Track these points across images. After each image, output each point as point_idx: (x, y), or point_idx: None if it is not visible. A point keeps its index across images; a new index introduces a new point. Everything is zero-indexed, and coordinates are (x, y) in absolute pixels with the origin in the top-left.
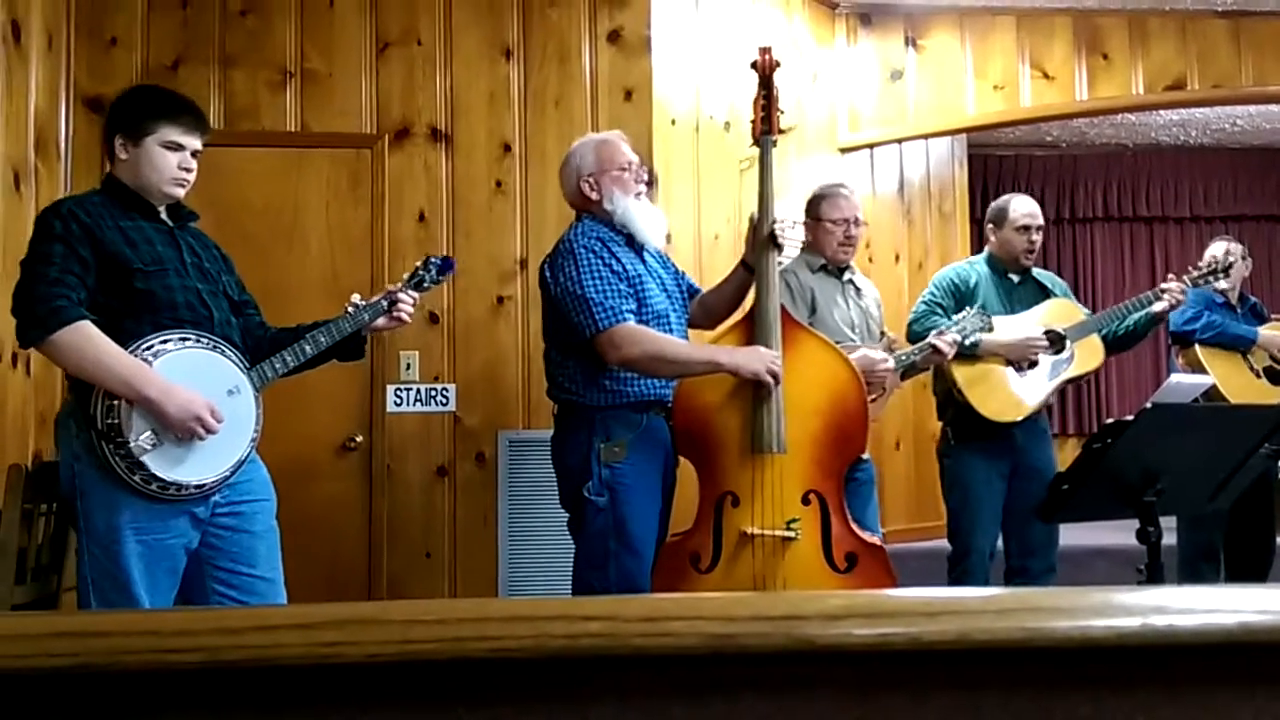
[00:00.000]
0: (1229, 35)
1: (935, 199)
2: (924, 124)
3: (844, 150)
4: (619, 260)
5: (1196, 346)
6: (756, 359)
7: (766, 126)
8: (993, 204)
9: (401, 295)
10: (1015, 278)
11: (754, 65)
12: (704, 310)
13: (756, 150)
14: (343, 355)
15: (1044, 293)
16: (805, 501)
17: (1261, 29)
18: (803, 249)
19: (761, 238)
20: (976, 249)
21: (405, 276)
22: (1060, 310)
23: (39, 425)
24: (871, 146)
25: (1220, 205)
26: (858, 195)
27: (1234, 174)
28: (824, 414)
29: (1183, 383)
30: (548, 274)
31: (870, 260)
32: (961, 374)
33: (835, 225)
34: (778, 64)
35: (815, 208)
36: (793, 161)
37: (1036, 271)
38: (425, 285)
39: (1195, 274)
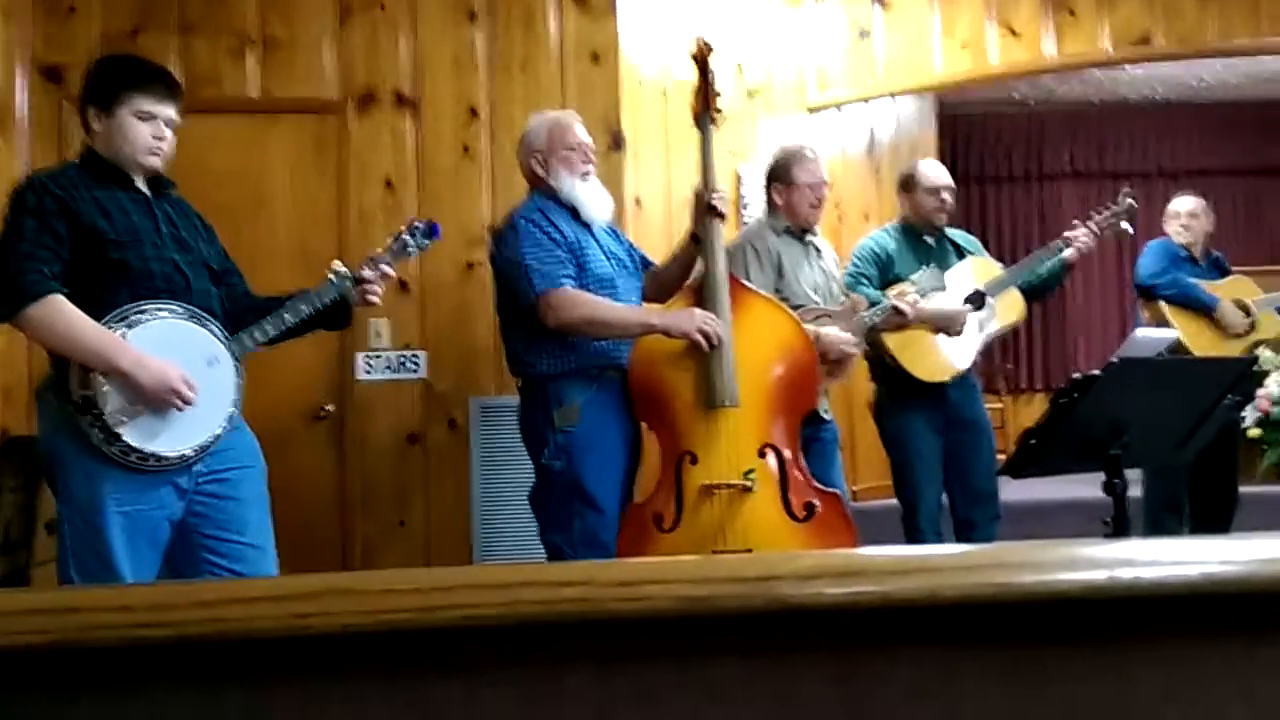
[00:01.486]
0: None
1: (904, 157)
2: (892, 83)
3: (813, 110)
4: (558, 229)
5: (1160, 301)
6: (688, 319)
7: (705, 107)
8: (901, 171)
9: (370, 275)
10: (930, 240)
11: (690, 54)
12: (657, 283)
13: (700, 190)
14: (329, 324)
15: (958, 252)
16: (761, 455)
17: None
18: (766, 213)
19: (703, 208)
20: None
21: (389, 241)
22: (977, 268)
23: (4, 400)
24: (840, 105)
25: (1187, 160)
26: (826, 155)
27: (1200, 129)
28: (774, 369)
29: (1148, 337)
30: (493, 247)
31: (839, 220)
32: (892, 340)
33: (809, 188)
34: (711, 49)
35: (786, 172)
36: (762, 121)
37: (950, 231)
38: (410, 251)
39: (1099, 219)
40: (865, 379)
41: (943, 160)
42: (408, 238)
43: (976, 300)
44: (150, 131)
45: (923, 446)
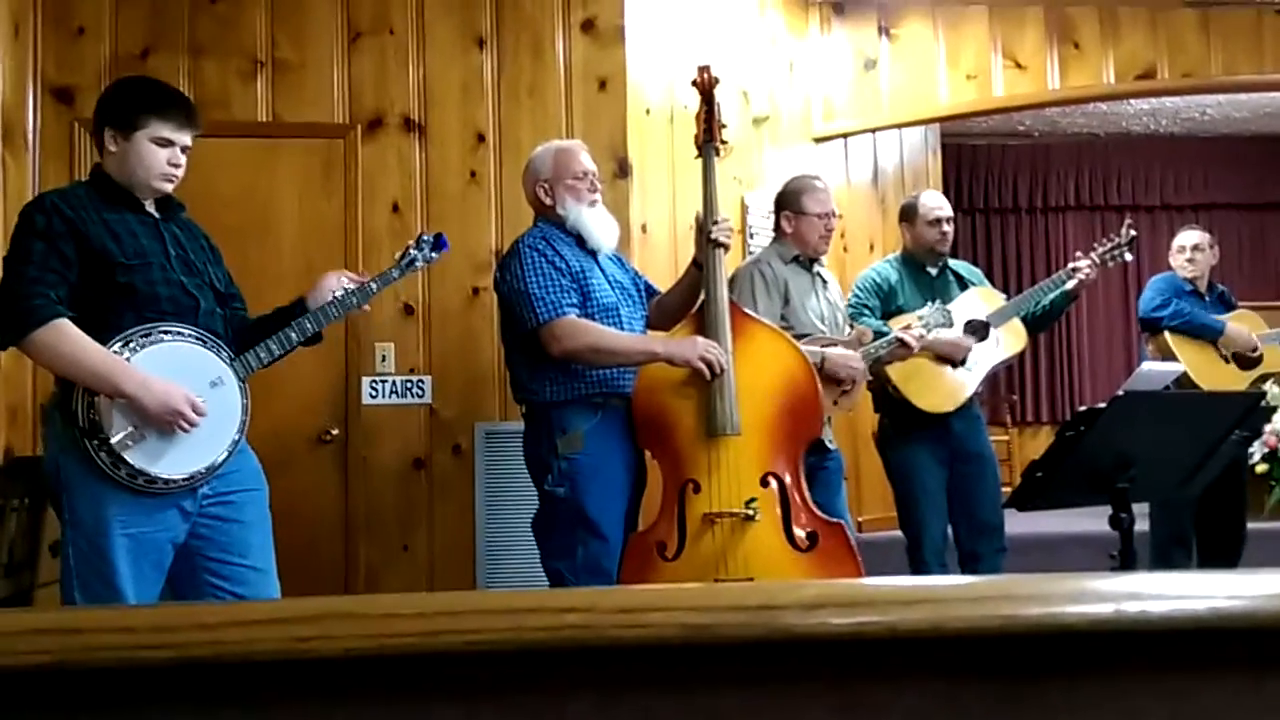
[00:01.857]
0: (1198, 25)
1: (909, 188)
2: (898, 114)
3: (818, 140)
4: (563, 257)
5: (1166, 333)
6: (690, 348)
7: (709, 137)
8: (902, 202)
9: (348, 276)
10: (933, 271)
11: (694, 83)
12: (660, 311)
13: (701, 212)
14: (306, 341)
15: (961, 283)
16: (764, 483)
17: (1230, 19)
18: (774, 240)
19: (704, 237)
20: (952, 239)
21: (397, 256)
22: (979, 300)
23: (9, 421)
24: (846, 136)
25: (1190, 193)
26: (832, 185)
27: (1204, 162)
28: (776, 398)
29: (1154, 370)
30: (498, 275)
31: (845, 250)
32: (895, 371)
33: (819, 219)
34: (716, 80)
35: (796, 201)
36: (768, 151)
37: (953, 262)
38: (418, 264)
39: (1103, 250)
40: (870, 409)
41: (947, 191)
42: (415, 252)
43: (980, 330)
44: (167, 158)
45: (927, 478)
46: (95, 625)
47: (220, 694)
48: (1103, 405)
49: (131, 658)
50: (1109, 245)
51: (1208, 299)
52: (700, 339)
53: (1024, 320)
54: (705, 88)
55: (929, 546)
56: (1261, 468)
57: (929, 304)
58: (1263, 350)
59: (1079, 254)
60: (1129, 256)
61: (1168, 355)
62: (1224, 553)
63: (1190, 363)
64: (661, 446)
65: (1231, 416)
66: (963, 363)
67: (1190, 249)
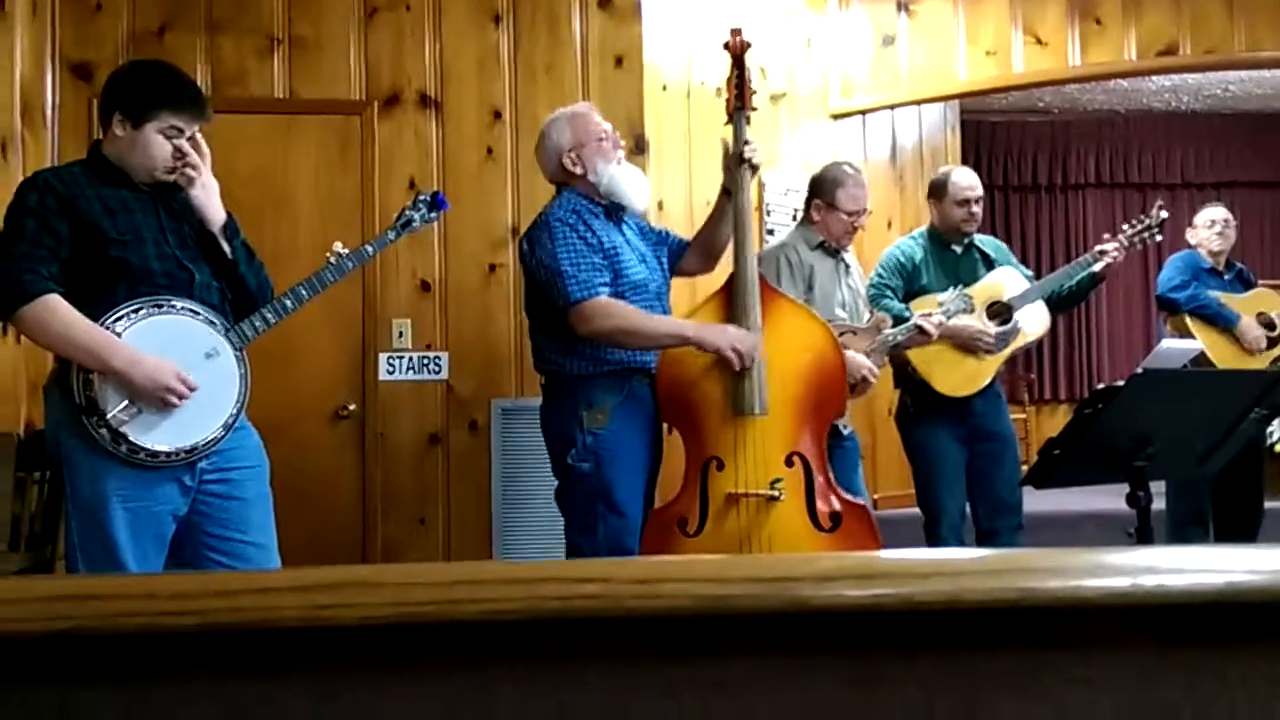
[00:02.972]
0: (1221, 1)
1: (927, 165)
2: (916, 90)
3: (836, 116)
4: (594, 232)
5: (1185, 315)
6: (721, 336)
7: (740, 103)
8: (932, 177)
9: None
10: (958, 249)
11: (726, 46)
12: (699, 249)
13: (729, 129)
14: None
15: (987, 261)
16: (789, 463)
17: None
18: (801, 224)
19: (734, 158)
20: None
21: (394, 218)
22: (1003, 281)
23: (30, 393)
24: (864, 113)
25: (1212, 171)
26: (854, 162)
27: (1226, 140)
28: (803, 377)
29: (1173, 348)
30: (525, 247)
31: (862, 228)
32: (915, 354)
33: (848, 215)
34: (748, 44)
35: (830, 193)
36: (785, 128)
37: (979, 239)
38: (415, 225)
39: (1132, 232)
40: (889, 386)
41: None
42: (412, 212)
43: (1003, 313)
44: (173, 149)
45: (946, 456)
46: (116, 591)
47: (239, 661)
48: (1121, 383)
49: (152, 624)
50: (1138, 227)
51: (1227, 277)
52: (732, 328)
53: (1049, 301)
54: (737, 51)
55: (946, 524)
56: None
57: (952, 288)
58: None
59: (1107, 236)
60: (1159, 238)
61: (1185, 334)
62: (1241, 531)
63: (1208, 343)
64: (686, 422)
65: (1250, 395)
66: (988, 348)
67: (1221, 222)
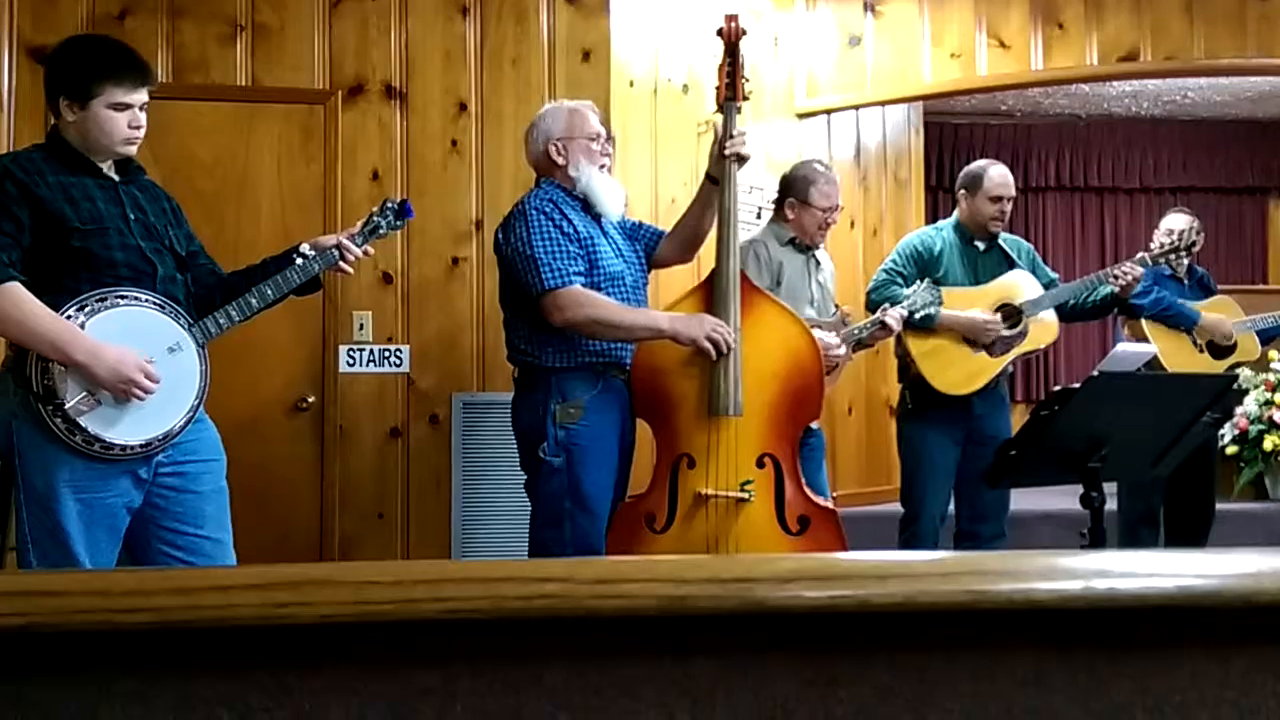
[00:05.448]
0: (1182, 8)
1: (891, 166)
2: (881, 91)
3: (801, 116)
4: (570, 222)
5: (1142, 319)
6: (697, 325)
7: (731, 93)
8: (966, 169)
9: (351, 247)
10: (981, 245)
11: (719, 32)
12: (677, 239)
13: (719, 116)
14: (300, 290)
15: (1008, 261)
16: (760, 464)
17: (1214, 3)
18: (773, 220)
19: (720, 150)
20: (931, 217)
21: (360, 223)
22: (1019, 284)
23: None
24: (829, 112)
25: (1170, 177)
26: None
27: (1184, 146)
28: (780, 379)
29: (1128, 351)
30: (499, 236)
31: (835, 224)
32: (916, 346)
33: (822, 212)
34: (744, 31)
35: (804, 191)
36: (750, 127)
37: (1003, 237)
38: (382, 231)
39: (1155, 252)
40: (850, 382)
41: (928, 170)
42: (379, 219)
43: (1013, 316)
44: (127, 120)
45: (936, 456)
46: (70, 588)
47: (195, 659)
48: (1077, 385)
49: (107, 621)
50: (1164, 247)
51: (1187, 283)
52: (708, 317)
53: (1063, 311)
54: (731, 38)
55: (926, 523)
56: (1232, 449)
57: (919, 283)
58: (1236, 339)
59: (1133, 260)
60: (1185, 260)
61: (1143, 338)
62: (1192, 532)
63: (1163, 348)
64: (659, 418)
65: (1204, 398)
66: (991, 346)
67: (1176, 232)
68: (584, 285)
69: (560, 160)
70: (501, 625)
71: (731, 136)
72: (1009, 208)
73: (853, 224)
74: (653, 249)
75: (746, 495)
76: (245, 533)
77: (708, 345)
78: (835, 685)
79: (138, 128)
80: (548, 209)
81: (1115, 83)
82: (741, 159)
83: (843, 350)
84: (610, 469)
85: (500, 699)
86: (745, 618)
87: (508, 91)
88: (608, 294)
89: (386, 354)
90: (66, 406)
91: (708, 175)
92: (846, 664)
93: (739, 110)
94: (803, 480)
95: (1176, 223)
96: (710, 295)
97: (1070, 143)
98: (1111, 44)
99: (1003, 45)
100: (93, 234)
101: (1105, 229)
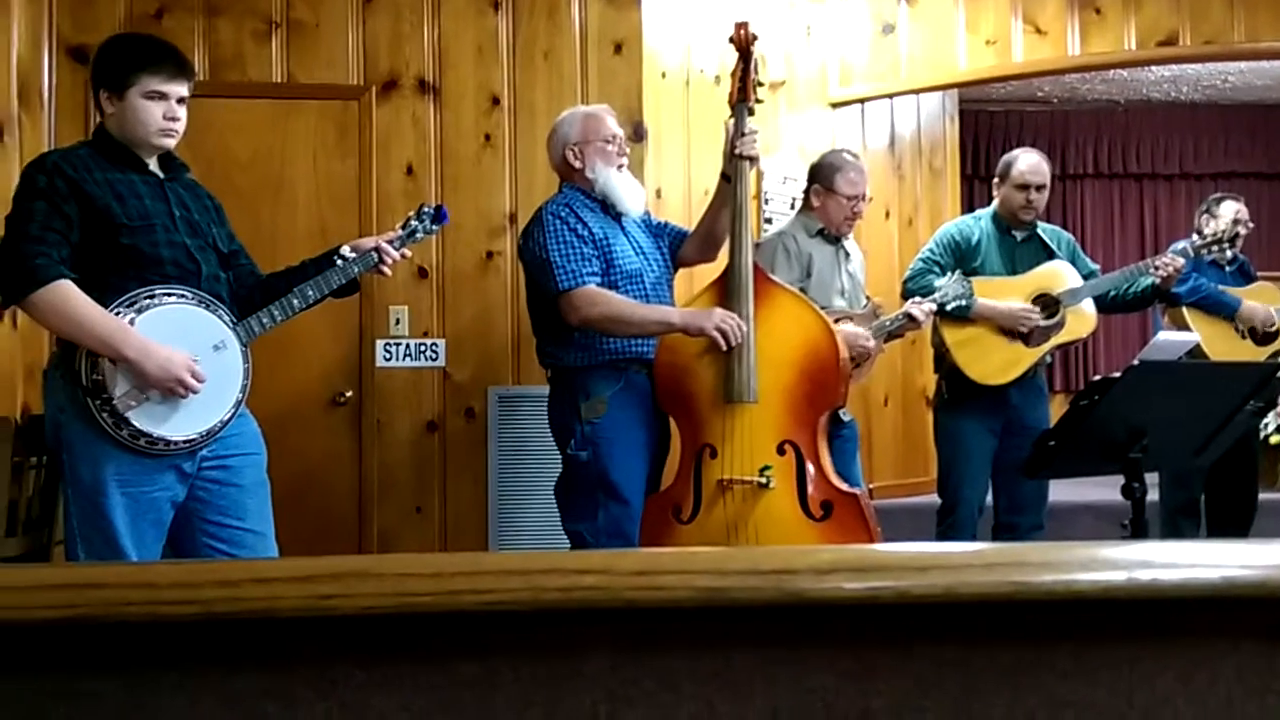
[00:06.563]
0: None
1: (926, 155)
2: (915, 79)
3: (835, 105)
4: (585, 224)
5: (1183, 307)
6: (706, 318)
7: (743, 96)
8: (1004, 157)
9: (390, 250)
10: (1019, 235)
11: (730, 40)
12: (699, 238)
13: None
14: (338, 292)
15: (1047, 251)
16: (780, 451)
17: None
18: (801, 211)
19: (731, 150)
20: (967, 206)
21: (398, 228)
22: (1057, 274)
23: (26, 378)
24: (863, 101)
25: (1210, 162)
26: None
27: (1225, 131)
28: (796, 366)
29: (1169, 340)
30: (521, 241)
31: (862, 214)
32: (951, 335)
33: (847, 200)
34: (755, 37)
35: (829, 178)
36: (783, 116)
37: (1043, 227)
38: (418, 236)
39: (1199, 243)
40: (884, 373)
41: (963, 159)
42: (416, 223)
43: (1050, 306)
44: (162, 111)
45: (973, 446)
46: (118, 581)
47: (239, 650)
48: (1117, 375)
49: (153, 613)
50: (1208, 239)
51: (1228, 270)
52: (718, 309)
53: (1103, 302)
54: (742, 44)
55: (963, 515)
56: (1276, 439)
57: (950, 274)
58: (1279, 325)
59: (1172, 253)
60: (1229, 252)
61: (1183, 326)
62: (1235, 523)
63: (1205, 336)
64: (681, 410)
65: (1246, 387)
66: (1024, 337)
67: (1243, 223)
68: (599, 285)
69: (578, 164)
70: (540, 617)
71: (743, 135)
72: (1038, 197)
73: (887, 214)
74: (676, 248)
75: (765, 481)
76: (285, 526)
77: (717, 335)
78: (875, 677)
79: (173, 119)
80: (563, 213)
81: (1154, 68)
82: (753, 159)
83: (872, 343)
84: (639, 460)
85: (540, 690)
86: (784, 609)
87: (540, 85)
88: (625, 292)
89: (422, 348)
90: (115, 400)
91: (722, 174)
92: (886, 655)
93: (750, 111)
94: (826, 466)
95: (1228, 210)
96: (724, 287)
97: (1109, 129)
98: (1150, 28)
99: (1039, 31)
100: (140, 231)
101: (1145, 216)
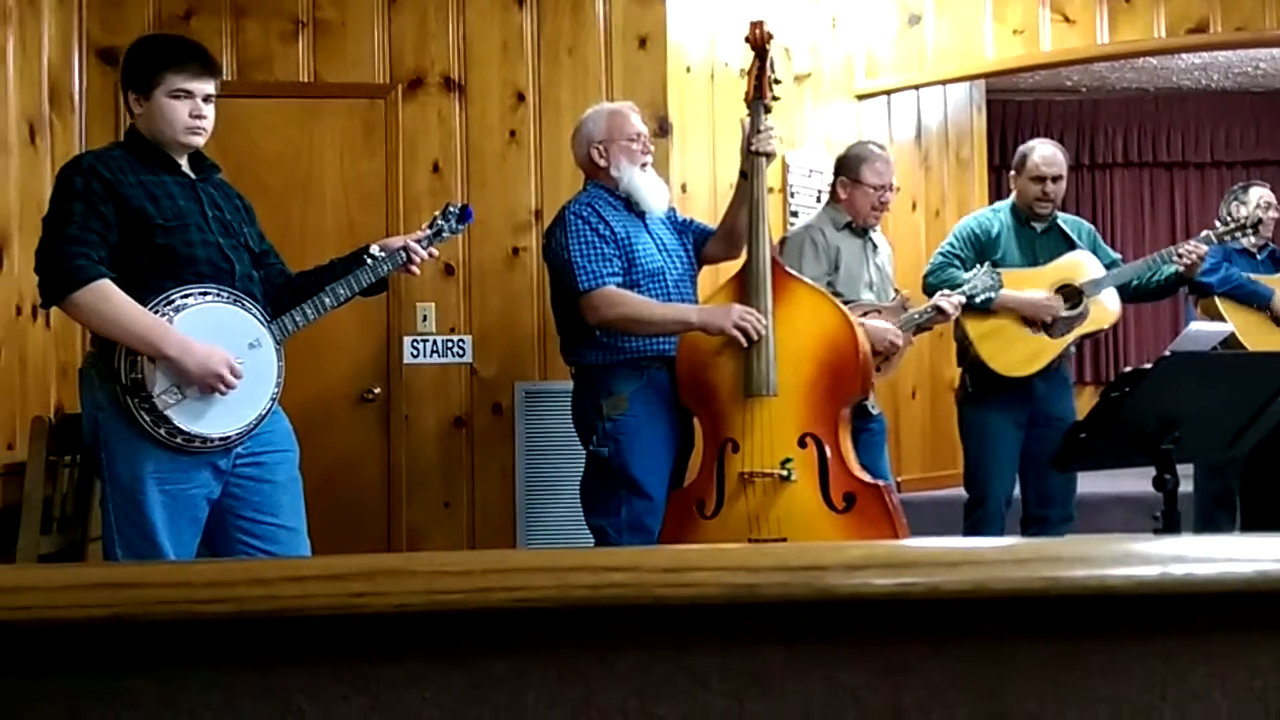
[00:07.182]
0: None
1: (953, 146)
2: (942, 69)
3: (861, 97)
4: (607, 224)
5: (1215, 297)
6: (724, 316)
7: (758, 94)
8: (1019, 149)
9: (418, 249)
10: (1038, 227)
11: (746, 39)
12: (722, 235)
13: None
14: (366, 291)
15: (1068, 242)
16: (801, 444)
17: None
18: (828, 204)
19: (747, 146)
20: (995, 197)
21: (425, 227)
22: (1079, 264)
23: (60, 377)
24: (889, 93)
25: (1242, 150)
26: (879, 143)
27: (1256, 118)
28: (816, 358)
29: (1201, 330)
30: (545, 241)
31: (889, 205)
32: (974, 327)
33: (874, 190)
34: (771, 36)
35: (855, 169)
36: (809, 109)
37: (1062, 218)
38: (444, 235)
39: (1222, 229)
40: (913, 366)
41: (991, 149)
42: (442, 222)
43: (1073, 297)
44: (188, 109)
45: (999, 440)
46: (153, 580)
47: (273, 648)
48: (1148, 366)
49: (188, 611)
50: (1231, 225)
51: (1259, 258)
52: (736, 306)
53: (1126, 291)
54: (758, 43)
55: (992, 507)
56: None
57: (979, 266)
58: None
59: (1195, 240)
60: (1251, 237)
61: (1215, 317)
62: (1270, 515)
63: (1240, 325)
64: (702, 406)
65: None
66: (1047, 328)
67: (1271, 207)
68: (620, 284)
69: (602, 162)
70: (570, 614)
71: (759, 132)
72: (1054, 188)
73: (914, 205)
74: (701, 245)
75: (787, 473)
76: (315, 522)
77: (736, 333)
78: (906, 673)
79: (200, 117)
80: (585, 213)
81: (1184, 55)
82: (769, 155)
83: (900, 339)
84: (661, 456)
85: (571, 687)
86: (814, 605)
87: (565, 81)
88: (646, 290)
89: (450, 344)
90: (154, 398)
91: (740, 172)
92: (917, 651)
93: (767, 109)
94: (849, 459)
95: (1255, 196)
96: (743, 282)
97: (1138, 118)
98: (1180, 16)
99: (1067, 20)
100: (175, 231)
101: (1175, 204)
